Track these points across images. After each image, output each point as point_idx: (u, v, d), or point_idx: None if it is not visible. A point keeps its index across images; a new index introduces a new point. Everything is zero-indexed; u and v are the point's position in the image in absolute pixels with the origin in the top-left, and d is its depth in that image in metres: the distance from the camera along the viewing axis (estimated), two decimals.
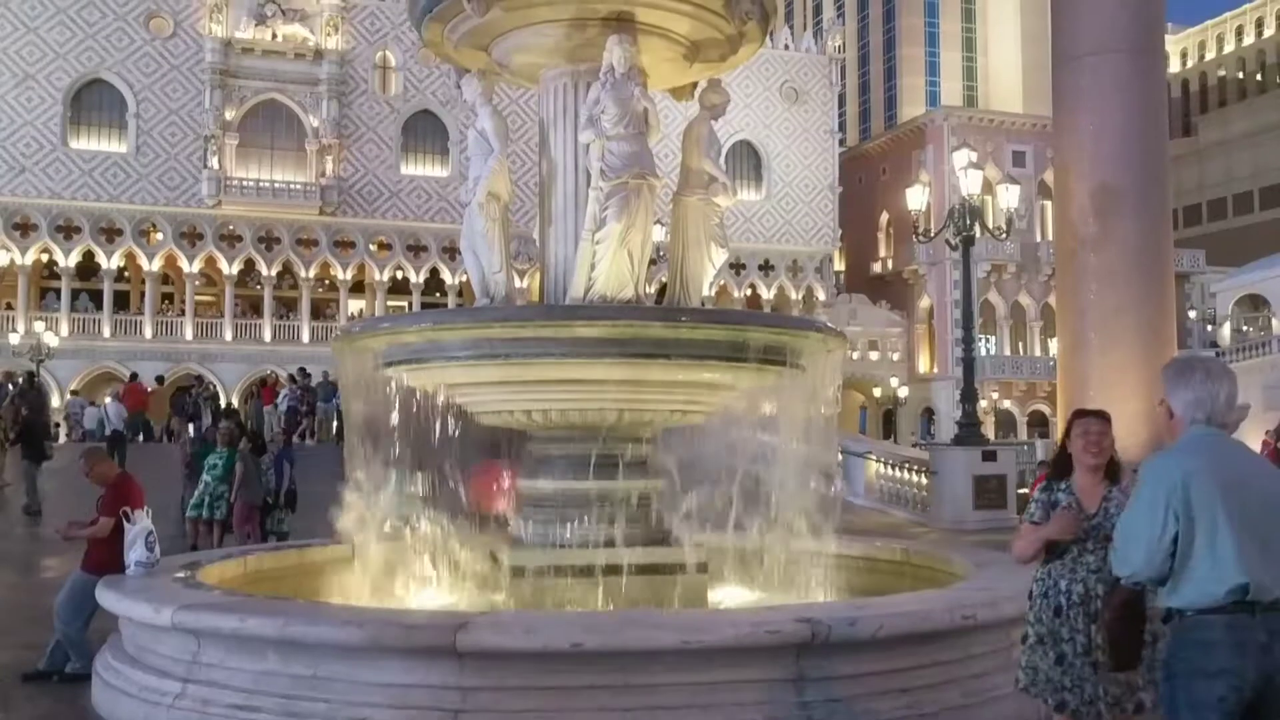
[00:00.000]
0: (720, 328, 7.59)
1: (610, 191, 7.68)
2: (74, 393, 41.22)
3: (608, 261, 7.68)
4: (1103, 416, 4.67)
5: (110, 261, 48.17)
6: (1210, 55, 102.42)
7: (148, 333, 48.51)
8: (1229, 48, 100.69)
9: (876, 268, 63.58)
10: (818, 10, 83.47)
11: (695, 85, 9.38)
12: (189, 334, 49.04)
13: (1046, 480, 4.77)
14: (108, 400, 29.00)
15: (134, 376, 34.58)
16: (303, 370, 32.49)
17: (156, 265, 48.89)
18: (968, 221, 18.68)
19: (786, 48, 58.12)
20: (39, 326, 40.80)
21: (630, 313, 7.38)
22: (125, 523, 7.67)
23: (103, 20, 47.68)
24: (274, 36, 49.55)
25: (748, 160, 57.07)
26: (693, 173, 8.67)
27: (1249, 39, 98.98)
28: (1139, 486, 3.65)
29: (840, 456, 20.19)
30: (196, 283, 49.90)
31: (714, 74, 9.17)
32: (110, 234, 48.06)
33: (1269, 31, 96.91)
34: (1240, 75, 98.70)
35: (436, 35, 8.58)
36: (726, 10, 8.07)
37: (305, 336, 50.29)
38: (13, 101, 46.40)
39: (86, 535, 8.03)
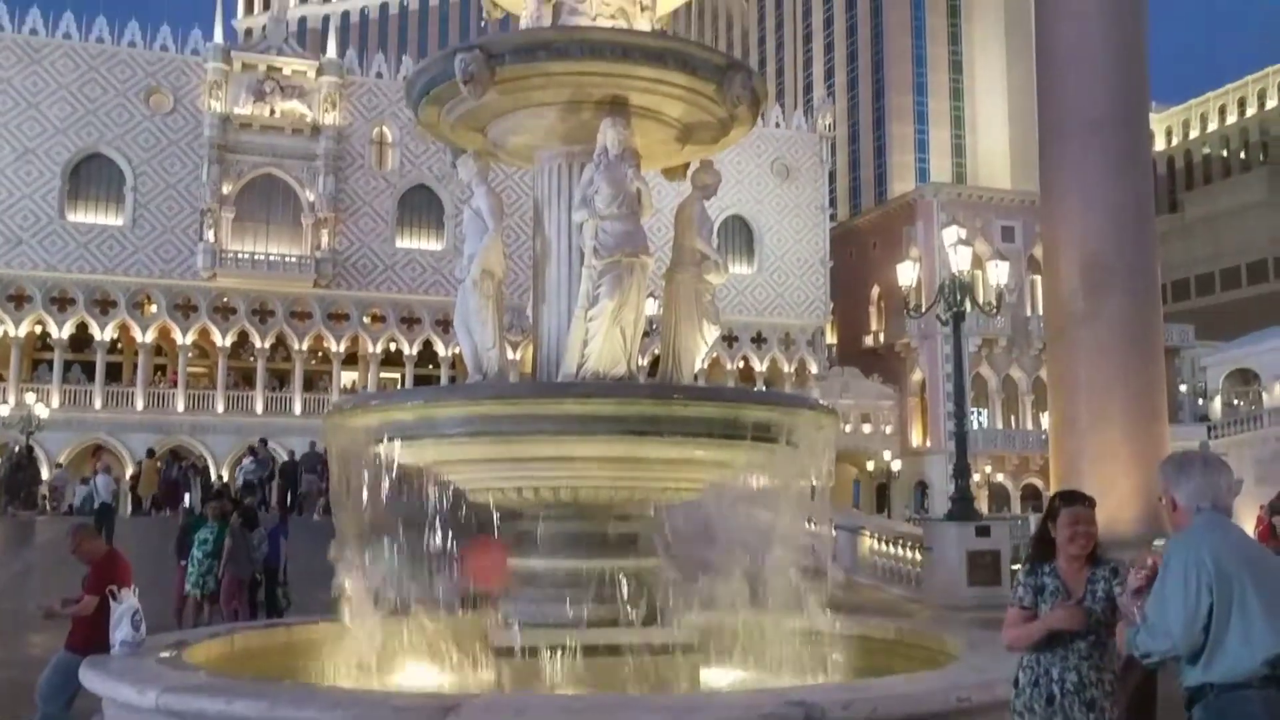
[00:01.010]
0: (712, 405, 7.62)
1: (603, 269, 7.75)
2: (58, 465, 40.97)
3: (600, 338, 7.73)
4: (1090, 504, 4.66)
5: (104, 333, 48.22)
6: (1194, 133, 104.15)
7: (139, 404, 48.41)
8: (1212, 126, 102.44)
9: (868, 341, 63.83)
10: (808, 89, 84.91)
11: (688, 165, 9.52)
12: (180, 406, 48.93)
13: (1029, 564, 4.73)
14: (97, 473, 28.87)
15: (150, 453, 34.71)
16: (262, 441, 32.34)
17: (150, 337, 48.95)
18: (958, 297, 18.82)
19: (778, 125, 58.99)
20: (30, 398, 40.70)
21: (623, 390, 7.41)
22: (111, 601, 7.59)
23: (104, 96, 48.32)
24: (272, 112, 50.19)
25: (740, 234, 57.59)
26: (685, 250, 8.77)
27: (1231, 117, 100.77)
28: (1166, 564, 3.71)
29: (834, 532, 20.08)
30: (189, 354, 49.93)
31: (706, 155, 9.31)
32: (104, 306, 48.18)
33: (1250, 110, 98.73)
34: (1224, 153, 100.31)
35: (433, 117, 8.72)
36: (718, 95, 8.22)
37: (297, 409, 50.18)
38: (12, 175, 46.82)
39: (71, 614, 7.95)
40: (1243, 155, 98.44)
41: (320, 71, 51.21)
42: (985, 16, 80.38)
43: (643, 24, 9.00)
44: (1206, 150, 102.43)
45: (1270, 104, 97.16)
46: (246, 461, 30.07)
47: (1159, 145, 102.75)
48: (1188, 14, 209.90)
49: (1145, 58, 15.72)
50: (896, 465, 57.55)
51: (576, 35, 8.10)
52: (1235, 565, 3.56)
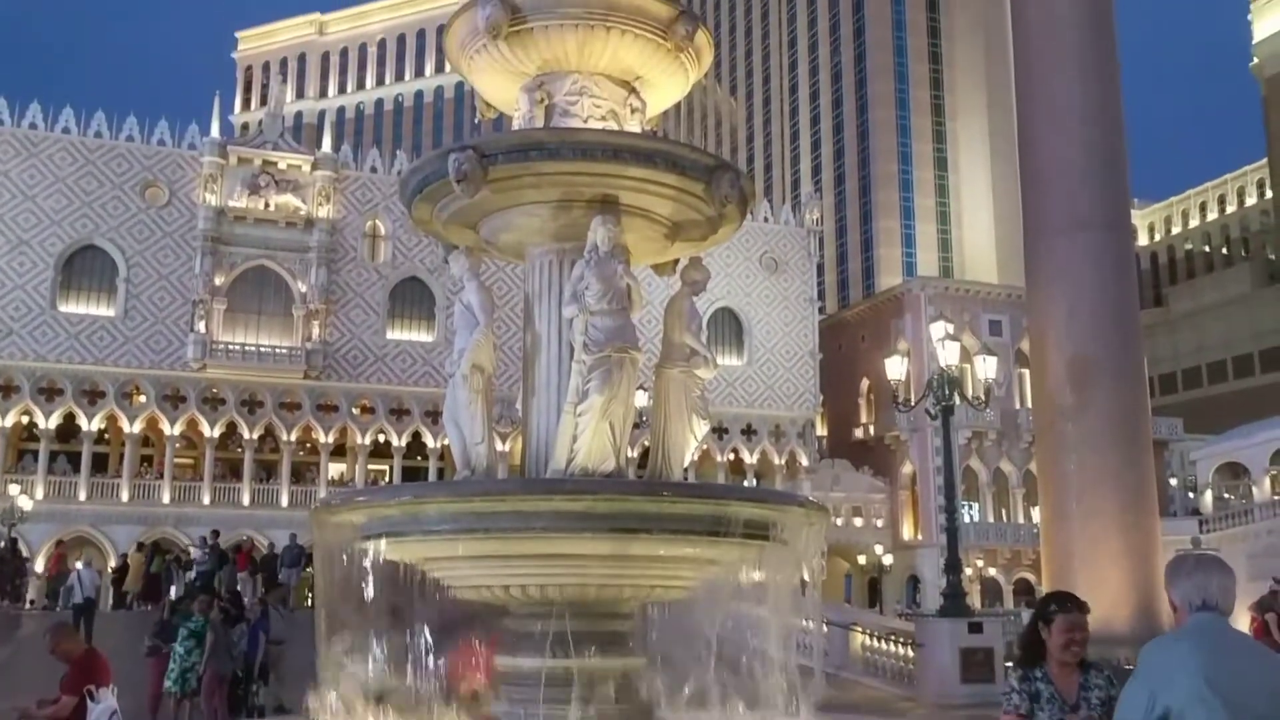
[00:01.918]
0: (702, 502, 7.60)
1: (593, 364, 7.79)
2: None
3: (590, 434, 7.73)
4: (1085, 609, 4.62)
5: (91, 423, 47.99)
6: (1177, 229, 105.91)
7: (124, 496, 47.97)
8: (1194, 222, 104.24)
9: (858, 433, 63.84)
10: (796, 184, 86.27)
11: (677, 262, 9.63)
12: (166, 497, 48.48)
13: (1020, 668, 4.67)
14: (79, 566, 28.44)
15: (140, 547, 34.31)
16: (214, 532, 31.91)
17: (137, 427, 48.72)
18: (946, 392, 18.90)
19: (766, 220, 59.78)
20: (14, 489, 40.31)
21: (612, 486, 7.38)
22: (89, 701, 7.44)
23: (99, 189, 48.84)
24: (267, 205, 50.72)
25: (730, 327, 57.95)
26: (675, 346, 8.82)
27: (1212, 214, 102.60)
28: (1136, 666, 3.66)
29: (825, 628, 19.84)
30: (177, 445, 49.65)
31: (695, 252, 9.43)
32: (93, 396, 48.04)
33: (1231, 208, 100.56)
34: (1206, 249, 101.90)
35: (426, 214, 8.84)
36: (707, 194, 8.36)
37: (284, 501, 49.78)
38: (4, 266, 47.07)
39: (48, 715, 7.77)
40: (1225, 251, 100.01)
41: (315, 165, 51.89)
42: (969, 116, 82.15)
43: (633, 125, 9.18)
44: (1189, 246, 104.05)
45: (1250, 201, 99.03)
46: (195, 554, 29.41)
47: (1142, 241, 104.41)
48: (1166, 113, 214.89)
49: (1125, 160, 16.05)
50: (888, 559, 57.10)
51: (568, 137, 8.25)
52: (1206, 675, 3.45)
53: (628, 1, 8.63)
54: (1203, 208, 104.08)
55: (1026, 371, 53.61)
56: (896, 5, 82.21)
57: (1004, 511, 60.64)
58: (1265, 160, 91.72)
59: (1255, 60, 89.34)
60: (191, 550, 29.42)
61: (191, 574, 28.30)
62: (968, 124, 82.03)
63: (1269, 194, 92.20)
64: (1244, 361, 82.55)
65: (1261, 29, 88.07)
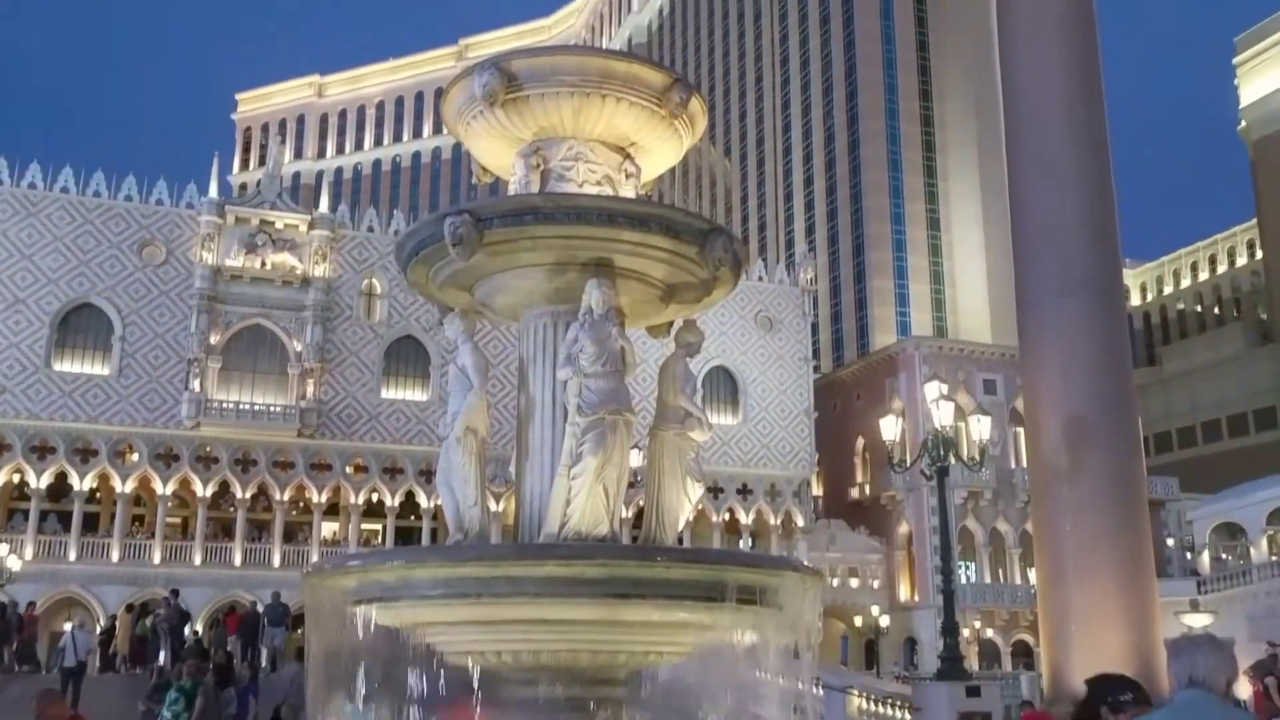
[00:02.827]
0: (697, 568, 7.55)
1: (587, 427, 7.79)
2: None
3: (583, 497, 7.71)
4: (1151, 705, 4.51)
5: (83, 482, 47.71)
6: (1168, 289, 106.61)
7: (114, 556, 47.55)
8: (1185, 282, 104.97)
9: (854, 493, 63.65)
10: (790, 243, 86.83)
11: (671, 324, 9.67)
12: (156, 558, 48.07)
13: None
14: (69, 628, 28.11)
15: (129, 609, 33.91)
16: (174, 591, 31.52)
17: (129, 486, 48.45)
18: (941, 453, 18.88)
19: (760, 279, 60.11)
20: (2, 549, 39.93)
21: (605, 551, 7.35)
22: None
23: (97, 248, 49.05)
24: (263, 264, 50.93)
25: (724, 385, 57.99)
26: (669, 408, 8.82)
27: (1204, 274, 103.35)
28: None
29: (821, 692, 19.62)
30: (169, 504, 49.35)
31: (689, 314, 9.47)
32: (85, 454, 47.82)
33: (1222, 268, 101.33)
34: (1198, 308, 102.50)
35: (421, 277, 8.89)
36: (701, 257, 8.42)
37: (276, 561, 49.40)
38: (0, 325, 47.10)
39: None
40: (1216, 311, 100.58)
41: (312, 225, 52.20)
42: (960, 176, 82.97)
43: (628, 190, 9.27)
44: (1181, 305, 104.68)
45: (1240, 261, 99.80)
46: (160, 614, 28.74)
47: (1134, 301, 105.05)
48: (1156, 174, 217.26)
49: (1116, 222, 16.18)
50: (885, 621, 56.62)
51: (564, 201, 8.33)
52: None
53: (623, 69, 8.76)
54: (1194, 268, 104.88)
55: (1022, 430, 53.61)
56: (888, 70, 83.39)
57: (1001, 572, 60.28)
58: (1254, 221, 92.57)
59: (1243, 124, 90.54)
60: (158, 612, 28.89)
61: (149, 626, 27.59)
62: (959, 184, 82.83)
63: (1259, 254, 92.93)
64: (1238, 421, 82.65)
65: (1248, 93, 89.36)
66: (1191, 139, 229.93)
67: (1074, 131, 16.23)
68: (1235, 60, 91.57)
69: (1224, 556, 55.53)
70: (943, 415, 19.17)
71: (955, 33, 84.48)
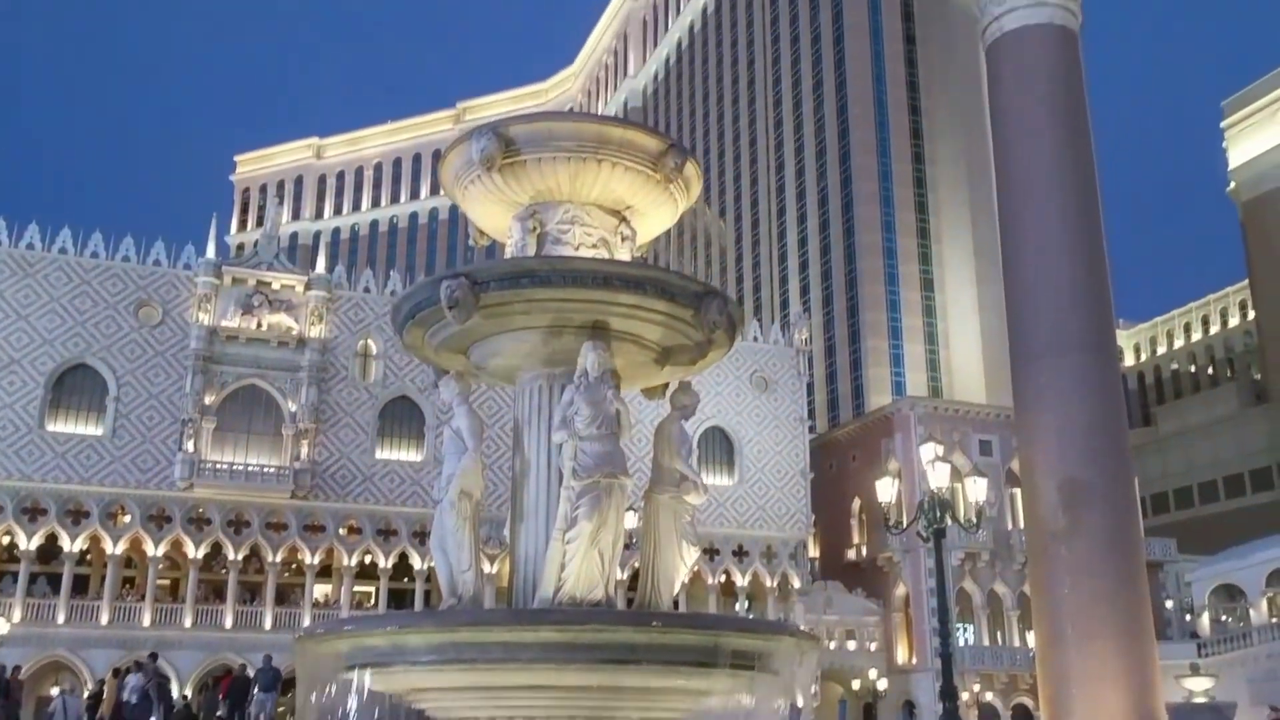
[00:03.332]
0: (692, 633, 7.50)
1: (582, 491, 7.78)
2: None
3: (578, 561, 7.67)
4: None
5: (73, 544, 47.28)
6: (1162, 349, 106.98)
7: (104, 619, 46.98)
8: (1179, 343, 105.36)
9: (851, 554, 63.26)
10: (784, 304, 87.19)
11: (666, 386, 9.69)
12: (146, 620, 47.50)
13: None
14: (56, 692, 27.69)
15: (115, 672, 33.16)
16: (153, 655, 31.04)
17: (120, 548, 48.01)
18: (938, 514, 18.81)
19: (755, 339, 60.24)
20: None
21: (600, 617, 7.30)
22: None
23: (93, 308, 49.11)
24: (259, 325, 50.98)
25: (720, 446, 57.85)
26: (664, 471, 8.82)
27: (1196, 334, 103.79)
28: None
29: None
30: (160, 566, 48.89)
31: (684, 376, 9.50)
32: (76, 516, 47.46)
33: (1214, 328, 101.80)
34: (1192, 369, 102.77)
35: (417, 339, 8.92)
36: (696, 320, 8.47)
37: (268, 623, 48.84)
38: None
39: None
40: (1210, 371, 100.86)
41: (309, 286, 52.36)
42: (953, 238, 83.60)
43: (623, 253, 9.35)
44: (1174, 366, 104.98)
45: (1233, 321, 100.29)
46: (132, 679, 27.99)
47: (1128, 361, 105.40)
48: (1148, 235, 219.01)
49: (1109, 283, 16.29)
50: (883, 684, 55.95)
51: (560, 264, 8.40)
52: None
53: (619, 135, 8.88)
54: (1187, 328, 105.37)
55: (1018, 491, 53.48)
56: (881, 133, 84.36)
57: (999, 634, 59.73)
58: (1246, 281, 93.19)
59: (1232, 185, 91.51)
60: (130, 678, 28.24)
61: (131, 697, 26.94)
62: (952, 245, 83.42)
63: (1251, 314, 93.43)
64: (1235, 481, 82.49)
65: (1236, 155, 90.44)
66: (1183, 200, 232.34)
67: (1065, 194, 16.40)
68: (1223, 124, 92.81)
69: (1224, 618, 55.12)
70: (939, 477, 19.12)
71: (947, 96, 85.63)
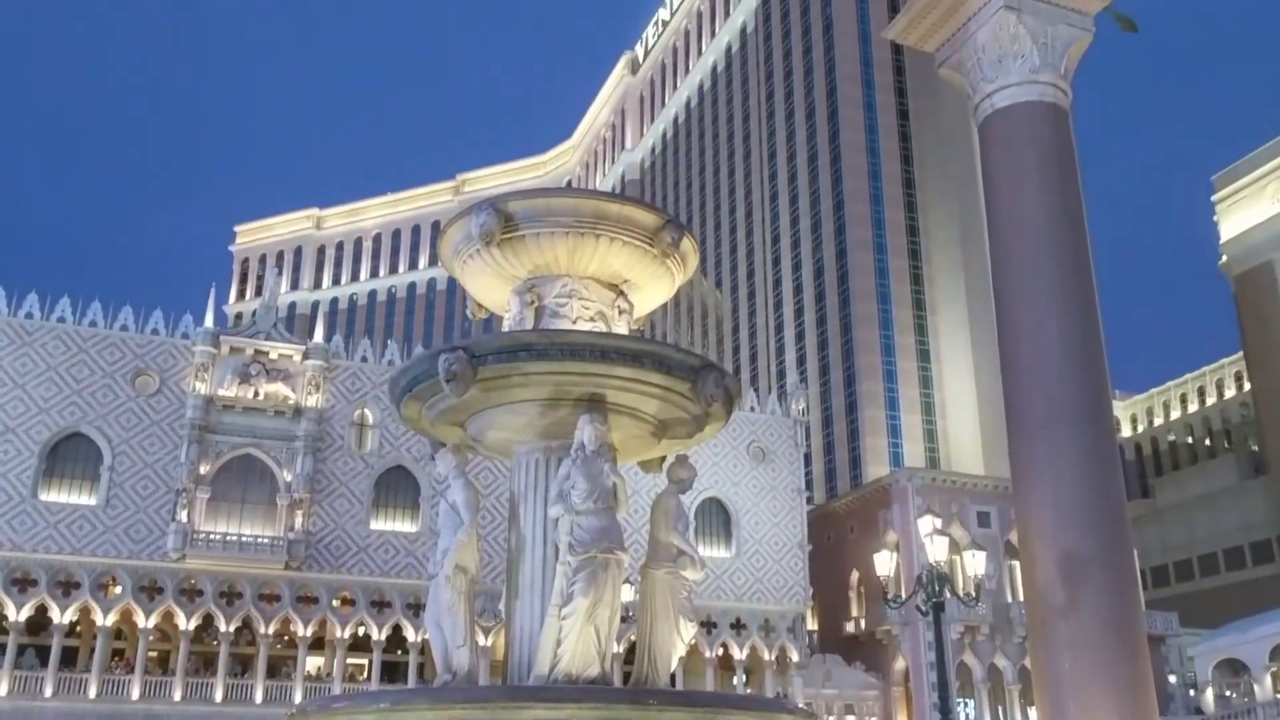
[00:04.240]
0: (689, 710, 7.41)
1: (578, 566, 7.74)
2: None
3: (574, 638, 7.61)
4: None
5: (63, 616, 46.71)
6: (1159, 420, 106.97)
7: (92, 692, 46.23)
8: (1175, 414, 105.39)
9: (849, 627, 62.59)
10: (781, 374, 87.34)
11: (663, 459, 9.69)
12: (135, 693, 46.76)
13: None
14: None
15: None
16: None
17: (111, 620, 47.43)
18: (936, 588, 18.66)
19: (753, 409, 60.20)
20: None
21: (596, 695, 7.22)
22: None
23: (90, 377, 49.11)
24: (256, 394, 50.98)
25: (717, 517, 57.51)
26: (661, 546, 8.78)
27: (1193, 406, 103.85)
28: None
29: None
30: (150, 637, 48.26)
31: (682, 449, 9.50)
32: (67, 587, 46.95)
33: (1210, 399, 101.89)
34: (1190, 440, 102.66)
35: (414, 412, 8.93)
36: (693, 393, 8.50)
37: (259, 697, 48.09)
38: None
39: None
40: (1207, 443, 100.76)
41: (306, 355, 52.44)
42: (948, 308, 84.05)
43: (620, 326, 9.41)
44: (1172, 437, 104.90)
45: (1229, 393, 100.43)
46: None
47: (1125, 432, 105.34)
48: (1143, 306, 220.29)
49: (1104, 355, 16.36)
50: None
51: (557, 338, 8.44)
52: None
53: (616, 210, 8.98)
54: (1183, 399, 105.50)
55: (1017, 563, 53.12)
56: (875, 206, 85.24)
57: (1001, 709, 58.88)
58: (1241, 354, 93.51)
59: (1224, 258, 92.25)
60: None
61: None
62: (948, 316, 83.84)
63: (1247, 386, 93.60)
64: (1235, 554, 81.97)
65: (1227, 229, 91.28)
66: (1176, 272, 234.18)
67: (1058, 267, 16.53)
68: (1214, 198, 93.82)
69: (1228, 694, 54.40)
70: (937, 550, 18.99)
71: (940, 168, 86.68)
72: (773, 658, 56.37)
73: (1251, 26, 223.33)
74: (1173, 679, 60.76)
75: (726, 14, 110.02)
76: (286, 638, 51.29)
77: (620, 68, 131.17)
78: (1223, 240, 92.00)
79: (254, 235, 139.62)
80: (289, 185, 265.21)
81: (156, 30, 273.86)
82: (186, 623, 48.12)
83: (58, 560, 46.79)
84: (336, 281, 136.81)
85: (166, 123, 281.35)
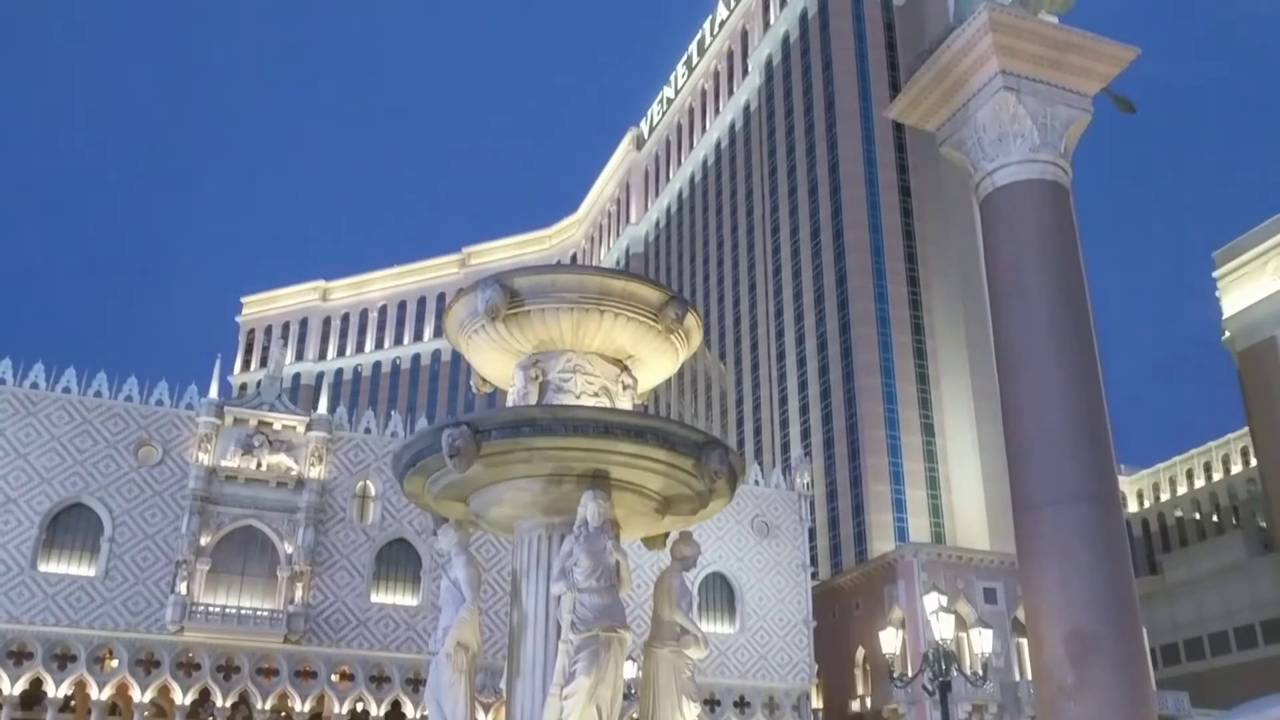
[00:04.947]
0: None
1: (580, 644, 7.67)
2: None
3: (576, 717, 7.50)
4: None
5: (58, 690, 46.11)
6: (1166, 496, 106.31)
7: None
8: (1182, 489, 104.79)
9: (855, 705, 61.59)
10: (785, 447, 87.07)
11: (667, 536, 9.64)
12: None
13: None
14: None
15: None
16: None
17: (106, 694, 46.81)
18: (943, 667, 18.43)
19: (757, 483, 59.93)
20: None
21: None
22: None
23: (93, 447, 49.09)
24: (259, 465, 50.90)
25: (721, 592, 56.95)
26: (664, 624, 8.70)
27: (1200, 481, 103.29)
28: None
29: None
30: (145, 712, 47.57)
31: (685, 526, 9.46)
32: (63, 660, 46.43)
33: (1217, 475, 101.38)
34: (1197, 515, 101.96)
35: (418, 487, 8.92)
36: (697, 469, 8.49)
37: None
38: None
39: None
40: (1215, 519, 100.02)
41: (310, 426, 52.43)
42: (952, 382, 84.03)
43: (624, 401, 9.42)
44: (1179, 513, 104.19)
45: (1235, 469, 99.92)
46: None
47: (1132, 508, 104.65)
48: (1146, 380, 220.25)
49: (1108, 431, 16.31)
50: None
51: (561, 413, 8.46)
52: None
53: (620, 287, 9.06)
54: (1189, 475, 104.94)
55: (1024, 641, 52.46)
56: (878, 279, 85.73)
57: None
58: (1246, 429, 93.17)
59: (1226, 334, 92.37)
60: None
61: None
62: (951, 389, 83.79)
63: (1253, 462, 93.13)
64: (1246, 633, 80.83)
65: (1229, 305, 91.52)
66: (1180, 346, 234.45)
67: (1061, 344, 16.56)
68: (1215, 274, 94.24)
69: None
70: (943, 628, 18.79)
71: (942, 242, 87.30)
72: None
73: (1250, 104, 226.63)
74: None
75: (730, 92, 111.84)
76: (284, 713, 50.54)
77: (625, 143, 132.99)
78: (1225, 316, 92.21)
79: (260, 306, 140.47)
80: (296, 257, 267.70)
81: (164, 101, 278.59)
82: (183, 697, 47.49)
83: (54, 632, 46.35)
84: (342, 352, 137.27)
85: (175, 194, 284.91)
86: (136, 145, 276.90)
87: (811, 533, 64.80)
